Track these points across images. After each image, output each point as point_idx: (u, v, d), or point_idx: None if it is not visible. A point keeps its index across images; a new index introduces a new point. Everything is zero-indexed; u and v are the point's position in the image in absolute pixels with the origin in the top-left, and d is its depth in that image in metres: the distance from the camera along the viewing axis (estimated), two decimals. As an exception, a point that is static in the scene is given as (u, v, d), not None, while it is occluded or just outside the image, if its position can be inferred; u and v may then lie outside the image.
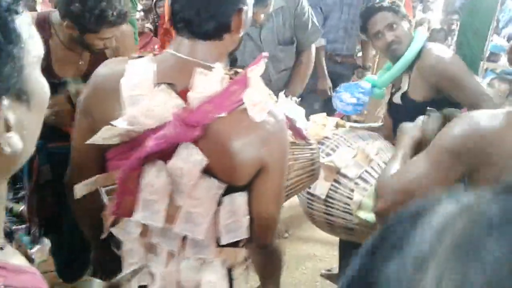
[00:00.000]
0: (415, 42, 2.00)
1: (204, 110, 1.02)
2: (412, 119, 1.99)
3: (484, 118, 1.10)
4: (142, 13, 5.00)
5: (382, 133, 2.09)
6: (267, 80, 2.36)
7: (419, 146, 1.34)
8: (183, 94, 1.03)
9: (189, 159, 1.03)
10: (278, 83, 2.46)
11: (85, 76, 1.67)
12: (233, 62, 2.31)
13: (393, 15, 1.99)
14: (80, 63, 1.85)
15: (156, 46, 5.20)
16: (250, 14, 1.15)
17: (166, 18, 2.95)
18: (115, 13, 1.62)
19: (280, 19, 2.37)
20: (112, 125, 1.02)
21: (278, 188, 1.14)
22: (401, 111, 2.13)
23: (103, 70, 1.13)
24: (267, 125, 1.06)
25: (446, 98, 1.89)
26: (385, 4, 2.02)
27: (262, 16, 2.22)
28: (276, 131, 1.08)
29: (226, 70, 1.11)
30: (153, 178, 1.04)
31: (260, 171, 1.09)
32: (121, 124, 1.02)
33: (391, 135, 2.06)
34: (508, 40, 5.25)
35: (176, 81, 1.04)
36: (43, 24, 1.76)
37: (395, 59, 2.04)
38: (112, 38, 1.73)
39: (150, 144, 1.01)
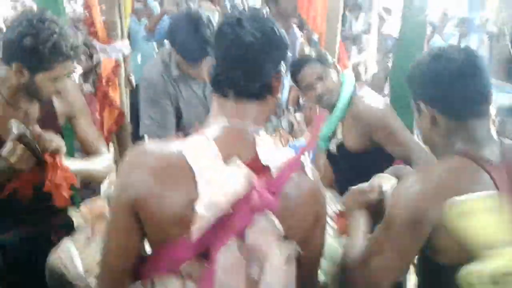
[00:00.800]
0: (344, 89, 2.03)
1: (283, 177, 1.04)
2: (349, 169, 2.01)
3: (437, 174, 1.13)
4: (77, 76, 4.89)
5: (324, 182, 2.09)
6: None
7: (378, 208, 1.32)
8: (249, 164, 1.03)
9: (268, 229, 1.03)
10: None
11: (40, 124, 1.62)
12: (178, 118, 2.28)
13: (321, 66, 2.01)
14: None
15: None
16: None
17: (104, 80, 2.89)
18: (68, 45, 1.58)
19: None
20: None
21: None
22: (337, 161, 2.15)
23: (148, 154, 1.06)
24: (316, 180, 1.12)
25: (381, 149, 1.92)
26: (313, 55, 2.04)
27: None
28: (319, 181, 1.15)
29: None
30: (227, 257, 1.01)
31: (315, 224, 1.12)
32: (204, 210, 0.98)
33: (332, 184, 2.06)
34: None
35: (238, 151, 1.04)
36: None
37: (328, 108, 2.06)
38: (64, 78, 1.67)
39: (238, 219, 1.00)
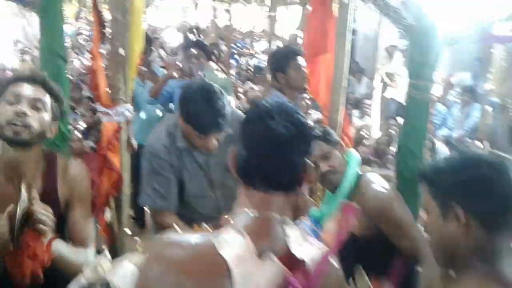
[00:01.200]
0: (349, 170, 1.99)
1: (317, 271, 1.03)
2: (352, 251, 1.92)
3: None
4: (76, 133, 4.86)
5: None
6: (216, 210, 2.21)
7: None
8: (283, 258, 1.01)
9: None
10: (227, 211, 2.30)
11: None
12: (180, 189, 2.22)
13: (327, 145, 1.98)
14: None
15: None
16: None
17: (104, 143, 2.86)
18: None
19: (228, 146, 2.28)
20: None
21: None
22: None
23: (176, 247, 1.00)
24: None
25: (384, 237, 1.85)
26: (318, 133, 2.01)
27: (215, 142, 2.12)
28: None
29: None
30: None
31: None
32: None
33: None
34: (447, 143, 5.52)
35: (269, 243, 1.02)
36: None
37: (332, 188, 2.01)
38: None
39: None
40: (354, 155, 2.07)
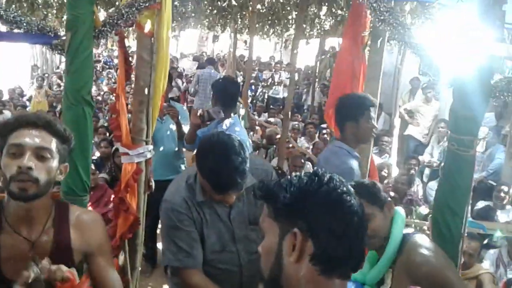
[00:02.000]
0: (395, 232, 1.84)
1: None
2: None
3: None
4: (92, 166, 4.78)
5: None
6: (236, 265, 2.10)
7: None
8: None
9: None
10: (250, 268, 2.15)
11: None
12: (202, 245, 2.11)
13: (370, 206, 1.83)
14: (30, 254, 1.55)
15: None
16: None
17: (123, 185, 2.75)
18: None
19: (251, 198, 2.13)
20: None
21: None
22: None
23: None
24: None
25: None
26: (364, 191, 1.86)
27: (234, 197, 2.01)
28: None
29: None
30: None
31: None
32: None
33: None
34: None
35: None
36: None
37: (375, 249, 1.87)
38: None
39: None
40: (401, 213, 1.92)
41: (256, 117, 9.22)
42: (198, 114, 3.74)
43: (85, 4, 2.06)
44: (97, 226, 1.69)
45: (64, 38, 2.07)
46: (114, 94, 2.68)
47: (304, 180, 1.01)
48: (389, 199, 1.98)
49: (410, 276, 1.74)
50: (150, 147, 2.79)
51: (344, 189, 0.98)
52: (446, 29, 2.18)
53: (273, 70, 12.07)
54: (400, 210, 1.96)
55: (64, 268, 1.45)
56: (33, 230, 1.56)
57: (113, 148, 5.66)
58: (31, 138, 1.48)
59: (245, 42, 11.83)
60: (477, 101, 1.95)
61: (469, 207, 2.15)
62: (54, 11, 6.62)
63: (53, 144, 1.52)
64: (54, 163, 1.52)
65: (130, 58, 2.68)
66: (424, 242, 1.78)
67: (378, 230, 1.83)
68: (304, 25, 8.19)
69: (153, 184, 3.17)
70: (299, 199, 0.99)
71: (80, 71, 2.09)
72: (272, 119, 9.06)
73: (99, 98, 9.98)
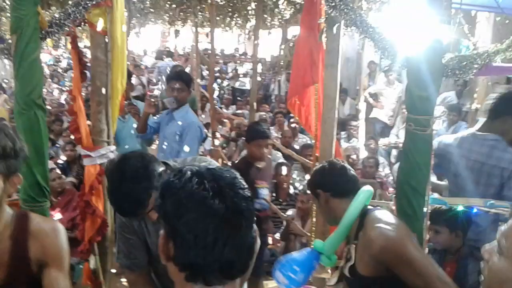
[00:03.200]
0: (351, 207, 1.90)
1: None
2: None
3: None
4: (57, 170, 4.68)
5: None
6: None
7: None
8: None
9: None
10: None
11: None
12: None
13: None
14: None
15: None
16: None
17: (87, 188, 2.71)
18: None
19: None
20: None
21: None
22: (351, 285, 1.96)
23: None
24: None
25: (396, 277, 1.72)
26: None
27: (152, 216, 1.89)
28: None
29: None
30: None
31: None
32: None
33: None
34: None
35: None
36: None
37: (331, 220, 1.95)
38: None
39: None
40: (364, 190, 1.96)
41: (224, 110, 9.19)
42: (153, 103, 3.76)
43: (28, 5, 1.99)
44: (56, 235, 1.64)
45: (10, 42, 2.00)
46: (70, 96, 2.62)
47: (169, 179, 0.94)
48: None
49: (368, 251, 1.77)
50: (113, 147, 2.75)
51: (204, 192, 0.89)
52: (397, 12, 2.21)
53: (237, 62, 12.04)
54: (366, 187, 1.99)
55: None
56: None
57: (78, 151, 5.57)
58: None
59: (207, 35, 11.74)
60: (430, 81, 1.99)
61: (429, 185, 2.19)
62: (8, 15, 6.40)
63: None
64: None
65: (85, 58, 2.63)
66: (383, 216, 1.81)
67: (333, 211, 1.95)
68: (265, 15, 8.19)
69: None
70: (162, 199, 0.93)
71: (29, 74, 2.02)
72: (239, 111, 9.05)
73: (62, 101, 9.75)
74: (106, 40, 2.53)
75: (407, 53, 2.05)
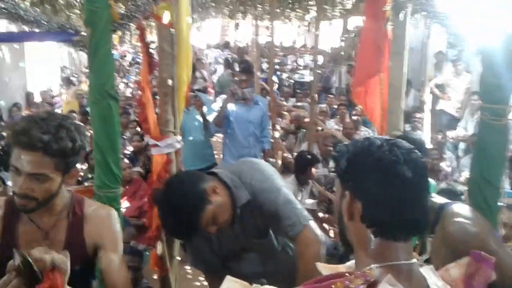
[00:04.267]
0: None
1: None
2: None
3: None
4: (125, 160, 4.88)
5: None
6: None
7: None
8: None
9: None
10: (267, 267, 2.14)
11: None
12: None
13: None
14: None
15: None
16: None
17: (155, 177, 2.79)
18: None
19: (249, 213, 1.97)
20: None
21: None
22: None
23: None
24: None
25: None
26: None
27: (214, 228, 1.87)
28: None
29: None
30: None
31: None
32: None
33: None
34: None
35: None
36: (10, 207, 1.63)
37: None
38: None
39: None
40: (431, 183, 1.89)
41: (284, 102, 9.18)
42: (232, 94, 3.90)
43: (101, -2, 2.07)
44: (111, 221, 1.75)
45: (84, 34, 2.09)
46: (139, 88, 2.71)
47: (357, 145, 1.07)
48: None
49: (446, 245, 1.71)
50: (179, 137, 2.81)
51: (394, 158, 1.01)
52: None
53: (297, 54, 11.97)
54: (430, 181, 1.92)
55: (52, 257, 1.33)
56: (48, 221, 1.65)
57: (145, 142, 5.77)
58: (26, 163, 1.47)
59: (267, 28, 11.76)
60: (505, 68, 1.89)
61: (506, 178, 2.09)
62: (78, 11, 6.72)
63: (51, 166, 1.50)
64: (54, 181, 1.55)
65: (152, 51, 2.70)
66: (461, 210, 1.74)
67: None
68: (325, 6, 8.08)
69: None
70: (351, 163, 1.06)
71: (102, 65, 2.11)
72: (299, 104, 9.01)
73: (129, 95, 10.13)
74: (172, 32, 2.59)
75: (481, 39, 1.95)
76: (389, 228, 1.03)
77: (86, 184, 4.45)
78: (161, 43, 2.60)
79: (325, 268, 1.21)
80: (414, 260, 1.05)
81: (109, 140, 2.17)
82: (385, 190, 1.00)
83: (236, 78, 3.97)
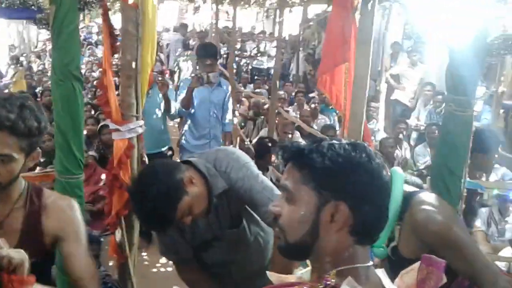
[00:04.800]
0: (395, 189, 1.84)
1: None
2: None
3: None
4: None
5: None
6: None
7: None
8: None
9: None
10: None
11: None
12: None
13: None
14: None
15: (103, 177, 4.90)
16: None
17: (115, 162, 2.70)
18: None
19: (225, 202, 1.96)
20: None
21: None
22: (392, 266, 1.92)
23: None
24: None
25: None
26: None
27: (188, 219, 1.83)
28: None
29: None
30: None
31: None
32: None
33: None
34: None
35: None
36: None
37: None
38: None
39: None
40: (398, 172, 1.91)
41: (242, 88, 9.14)
42: (197, 78, 3.89)
43: (67, -24, 1.96)
44: (72, 212, 1.69)
45: (48, 12, 1.98)
46: (100, 70, 2.60)
47: (345, 148, 0.99)
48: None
49: (416, 234, 1.74)
50: (141, 122, 2.73)
51: (376, 158, 0.99)
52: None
53: (256, 40, 11.93)
54: (397, 169, 1.95)
55: (16, 255, 1.28)
56: (2, 209, 1.57)
57: (99, 125, 5.59)
58: None
59: (227, 12, 11.62)
60: (473, 61, 1.93)
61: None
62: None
63: (16, 146, 1.45)
64: (17, 162, 1.48)
65: (116, 32, 2.59)
66: (430, 199, 1.78)
67: None
68: (287, -7, 8.05)
69: (146, 159, 3.13)
70: (343, 168, 0.97)
71: (67, 45, 2.00)
72: (257, 90, 9.01)
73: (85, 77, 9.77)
74: (137, 13, 2.49)
75: (449, 32, 1.99)
76: (375, 233, 1.02)
77: (37, 169, 4.28)
78: (125, 24, 2.49)
79: (274, 276, 1.15)
80: (371, 263, 1.04)
81: (72, 123, 2.07)
82: (378, 195, 0.99)
83: (200, 62, 3.93)
